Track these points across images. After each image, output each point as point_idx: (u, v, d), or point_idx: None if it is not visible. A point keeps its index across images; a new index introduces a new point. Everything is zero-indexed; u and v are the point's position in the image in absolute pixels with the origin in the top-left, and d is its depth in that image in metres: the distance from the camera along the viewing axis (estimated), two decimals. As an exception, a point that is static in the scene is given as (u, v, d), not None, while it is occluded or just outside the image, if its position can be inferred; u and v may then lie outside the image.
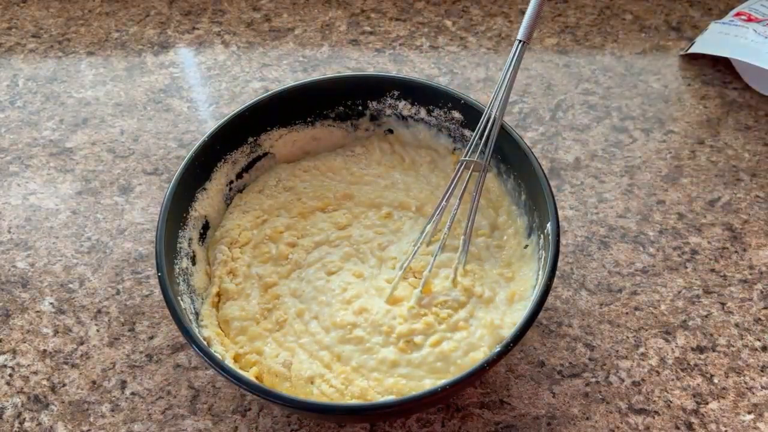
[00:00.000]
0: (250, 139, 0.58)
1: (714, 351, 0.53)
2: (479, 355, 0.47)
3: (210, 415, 0.51)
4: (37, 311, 0.56)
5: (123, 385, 0.52)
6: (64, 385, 0.52)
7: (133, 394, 0.52)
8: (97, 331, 0.55)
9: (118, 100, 0.71)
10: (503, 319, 0.49)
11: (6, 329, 0.56)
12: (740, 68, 0.71)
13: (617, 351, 0.53)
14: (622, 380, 0.52)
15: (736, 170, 0.64)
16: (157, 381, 0.52)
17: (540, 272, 0.48)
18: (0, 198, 0.64)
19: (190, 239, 0.52)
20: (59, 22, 0.79)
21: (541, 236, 0.49)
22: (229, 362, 0.47)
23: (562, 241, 0.59)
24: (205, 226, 0.55)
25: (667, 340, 0.54)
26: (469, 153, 0.53)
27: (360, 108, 0.60)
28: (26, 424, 0.51)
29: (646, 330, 0.54)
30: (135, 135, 0.68)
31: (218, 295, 0.52)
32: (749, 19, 0.71)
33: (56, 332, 0.55)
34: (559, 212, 0.60)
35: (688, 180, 0.63)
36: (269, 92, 0.57)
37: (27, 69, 0.74)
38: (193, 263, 0.52)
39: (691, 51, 0.72)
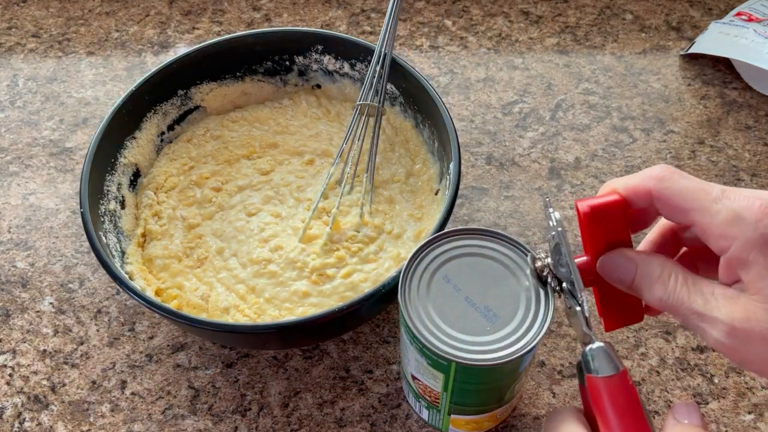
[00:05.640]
0: (180, 92, 0.60)
1: (714, 351, 0.53)
2: None
3: (210, 415, 0.51)
4: (37, 311, 0.56)
5: (123, 385, 0.52)
6: (64, 385, 0.52)
7: (133, 394, 0.52)
8: (97, 331, 0.55)
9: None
10: (409, 252, 0.51)
11: (6, 329, 0.55)
12: (740, 68, 0.71)
13: (617, 351, 0.53)
14: (622, 380, 0.52)
15: (736, 170, 0.64)
16: (157, 381, 0.52)
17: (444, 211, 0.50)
18: (0, 198, 0.64)
19: (119, 184, 0.55)
20: (59, 22, 0.79)
21: (448, 178, 0.51)
22: (150, 295, 0.49)
23: (562, 241, 0.59)
24: (137, 174, 0.57)
25: (667, 340, 0.54)
26: (362, 97, 0.55)
27: (287, 63, 0.62)
28: (26, 424, 0.51)
29: (646, 330, 0.54)
30: (135, 135, 0.68)
31: (144, 236, 0.55)
32: (749, 19, 0.71)
33: (56, 332, 0.55)
34: (560, 212, 0.60)
35: (688, 180, 0.63)
36: (197, 46, 0.59)
37: (27, 69, 0.74)
38: (122, 207, 0.55)
39: (691, 51, 0.72)
